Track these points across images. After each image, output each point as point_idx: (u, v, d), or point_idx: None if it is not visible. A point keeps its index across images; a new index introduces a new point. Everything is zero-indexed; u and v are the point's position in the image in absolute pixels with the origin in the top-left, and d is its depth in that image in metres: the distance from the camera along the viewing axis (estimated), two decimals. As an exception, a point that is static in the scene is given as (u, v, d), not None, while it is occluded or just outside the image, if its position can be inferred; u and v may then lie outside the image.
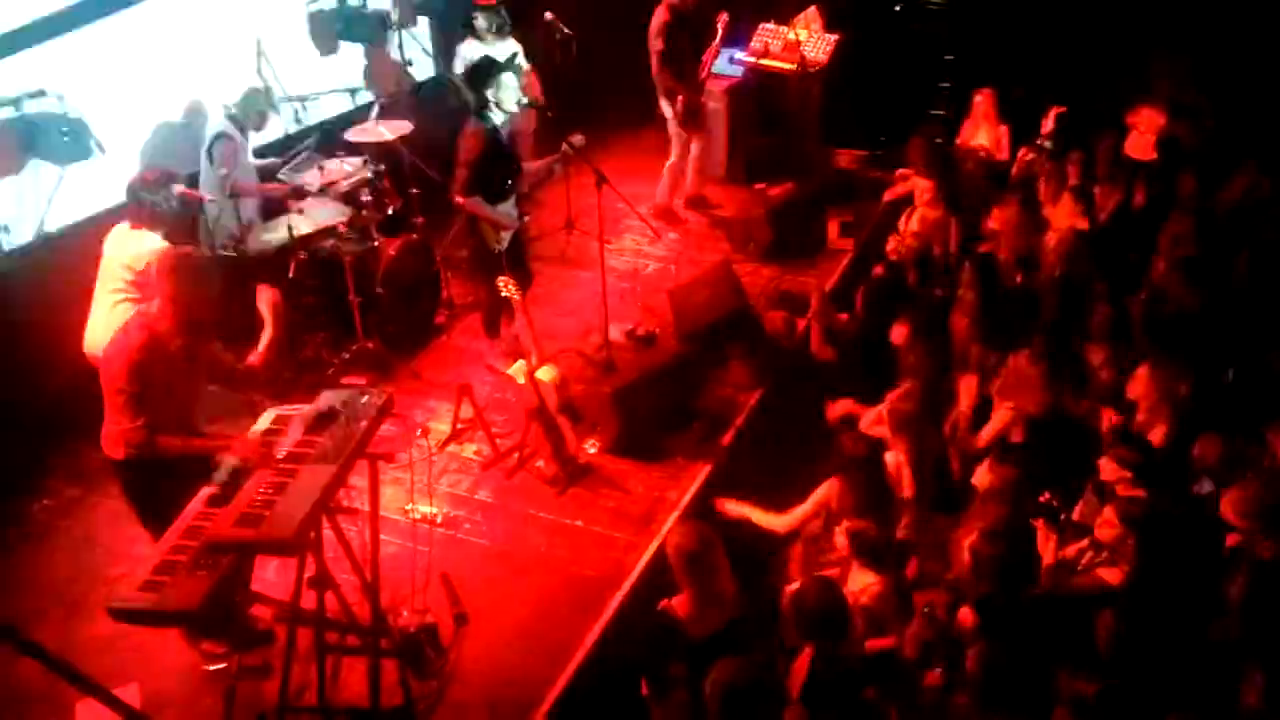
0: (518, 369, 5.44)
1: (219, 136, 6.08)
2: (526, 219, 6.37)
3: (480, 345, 6.46)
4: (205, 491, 3.75)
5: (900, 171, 7.98)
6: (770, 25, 8.39)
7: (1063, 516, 4.32)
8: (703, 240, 7.90)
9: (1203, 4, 8.06)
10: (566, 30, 7.78)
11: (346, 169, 6.25)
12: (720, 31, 7.86)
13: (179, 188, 4.89)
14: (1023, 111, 8.18)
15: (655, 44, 7.51)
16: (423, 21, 8.20)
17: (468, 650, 4.48)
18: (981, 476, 4.83)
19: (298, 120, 6.74)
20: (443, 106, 7.71)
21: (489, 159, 5.70)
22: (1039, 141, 7.69)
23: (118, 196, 5.06)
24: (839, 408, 5.62)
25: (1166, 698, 3.61)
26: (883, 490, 4.71)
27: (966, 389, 5.46)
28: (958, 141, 8.22)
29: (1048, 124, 7.84)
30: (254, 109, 6.22)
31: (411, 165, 6.78)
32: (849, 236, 7.91)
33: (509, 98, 5.87)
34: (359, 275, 6.05)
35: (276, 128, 6.74)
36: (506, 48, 7.40)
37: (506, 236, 5.96)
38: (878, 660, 3.95)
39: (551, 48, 7.91)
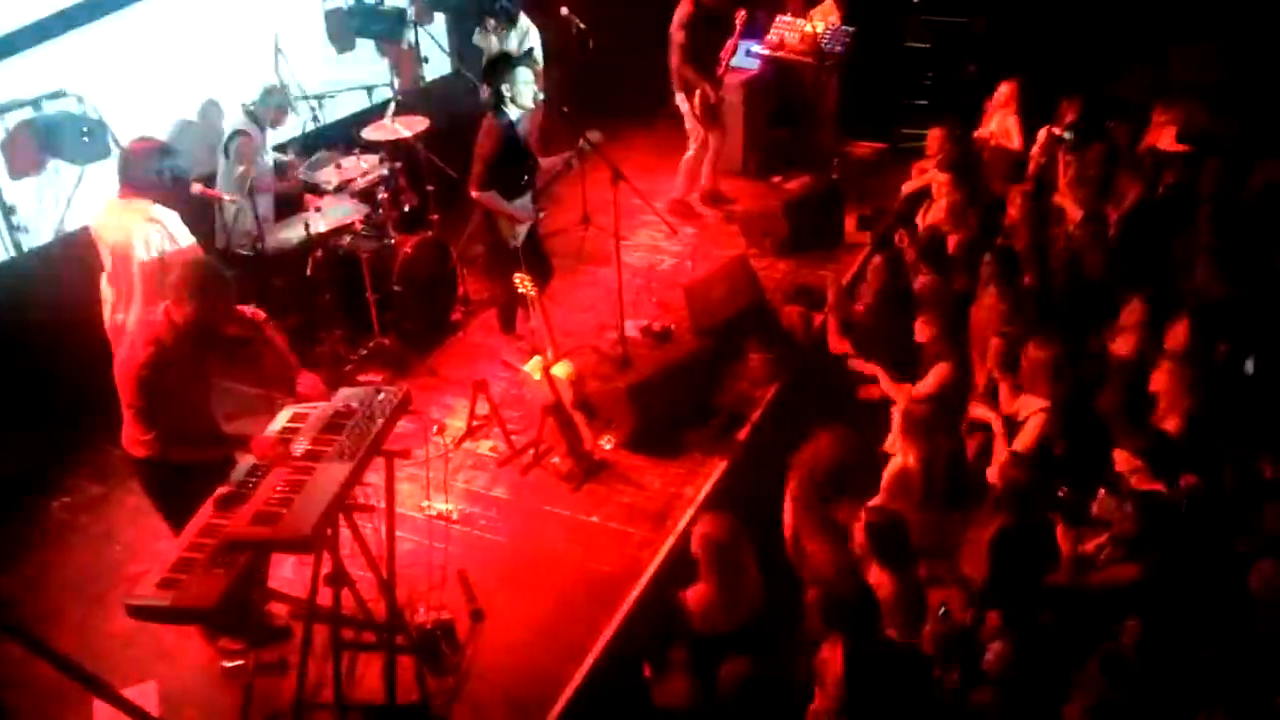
0: (533, 365, 5.44)
1: (236, 133, 6.12)
2: (542, 214, 6.37)
3: (496, 341, 6.47)
4: (222, 489, 3.77)
5: (918, 164, 7.93)
6: (787, 18, 8.35)
7: (1081, 510, 4.27)
8: (719, 235, 7.88)
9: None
10: (582, 25, 7.77)
11: (363, 166, 6.27)
12: (738, 26, 7.84)
13: (195, 186, 4.90)
14: (1041, 101, 8.12)
15: (678, 37, 7.49)
16: (439, 17, 8.23)
17: (484, 647, 4.48)
18: (997, 473, 4.79)
19: (315, 118, 6.75)
20: (459, 103, 7.72)
21: (505, 154, 5.71)
22: (1058, 131, 7.61)
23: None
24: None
25: (1193, 695, 3.57)
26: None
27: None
28: (976, 132, 8.15)
29: (1067, 114, 7.77)
30: (271, 106, 6.24)
31: (428, 162, 6.79)
32: (866, 230, 7.87)
33: (524, 93, 5.86)
34: (376, 272, 6.07)
35: (294, 125, 6.76)
36: (518, 40, 7.41)
37: (522, 231, 5.96)
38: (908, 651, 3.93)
39: (568, 42, 7.90)
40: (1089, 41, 8.39)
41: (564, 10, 7.79)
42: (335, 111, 7.10)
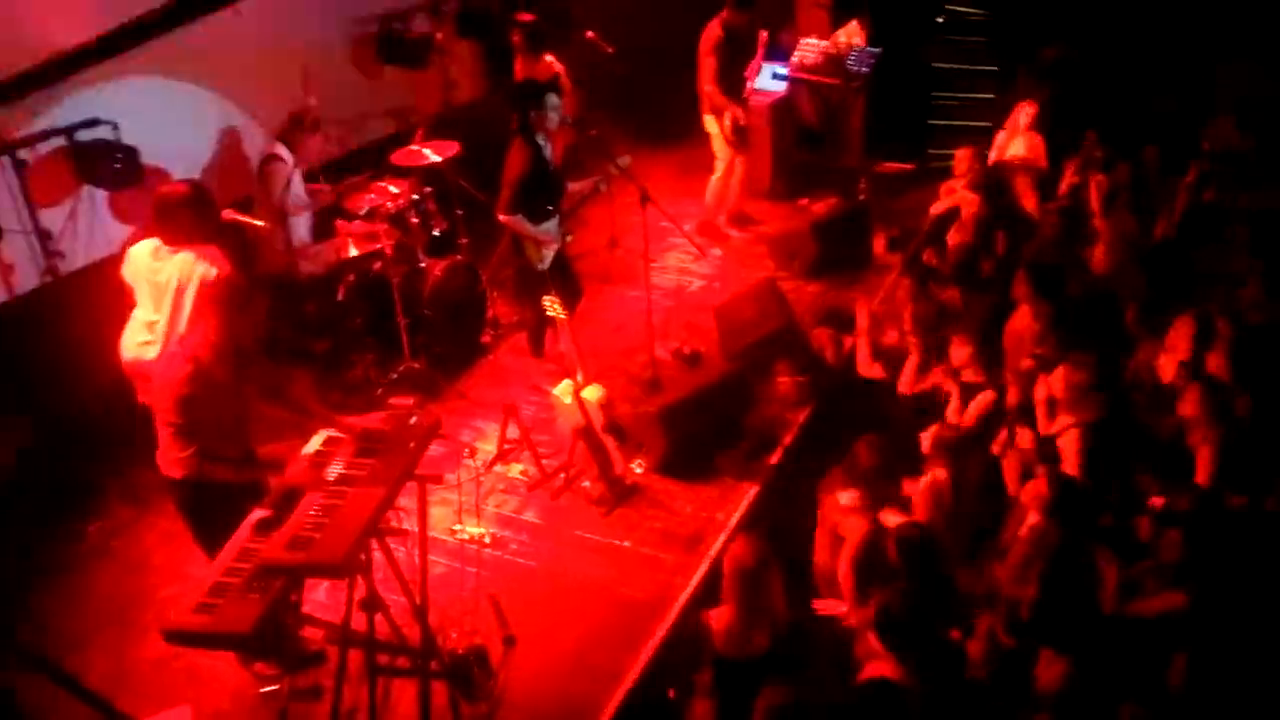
0: (564, 389, 5.43)
1: (269, 159, 6.17)
2: (570, 237, 6.38)
3: (526, 365, 6.47)
4: (257, 514, 3.78)
5: (946, 184, 7.89)
6: (812, 39, 8.36)
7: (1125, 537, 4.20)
8: (747, 257, 7.86)
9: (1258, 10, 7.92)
10: (608, 49, 7.80)
11: (394, 191, 6.30)
12: (760, 47, 7.85)
13: (228, 213, 4.94)
14: (1068, 122, 8.08)
15: (708, 60, 7.51)
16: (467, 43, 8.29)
17: (516, 673, 4.45)
18: (1029, 490, 4.72)
19: (345, 143, 6.81)
20: (488, 128, 7.76)
21: (532, 178, 5.73)
22: (1088, 152, 7.56)
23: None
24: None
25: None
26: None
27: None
28: (993, 152, 8.10)
29: (1097, 132, 7.71)
30: (302, 132, 6.29)
31: (457, 187, 6.82)
32: (895, 251, 7.83)
33: (552, 118, 5.89)
34: (406, 297, 6.09)
35: (325, 151, 6.81)
36: (547, 67, 7.45)
37: (549, 254, 5.97)
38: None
39: (593, 66, 7.93)
40: (1112, 61, 8.35)
41: (589, 34, 7.83)
42: (366, 137, 7.16)
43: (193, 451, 3.86)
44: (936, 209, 7.82)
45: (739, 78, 7.79)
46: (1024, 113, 7.96)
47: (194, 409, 3.86)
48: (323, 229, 6.51)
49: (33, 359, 5.56)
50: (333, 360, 6.34)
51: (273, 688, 4.28)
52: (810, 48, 8.31)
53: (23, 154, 5.56)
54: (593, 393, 5.40)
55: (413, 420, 4.03)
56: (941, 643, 3.83)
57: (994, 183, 7.31)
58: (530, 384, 6.23)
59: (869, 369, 5.99)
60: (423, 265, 6.36)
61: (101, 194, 5.94)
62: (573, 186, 6.25)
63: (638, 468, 5.64)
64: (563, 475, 5.56)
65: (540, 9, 7.91)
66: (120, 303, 5.07)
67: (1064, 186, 7.64)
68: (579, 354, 5.43)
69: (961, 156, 7.68)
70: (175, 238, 4.78)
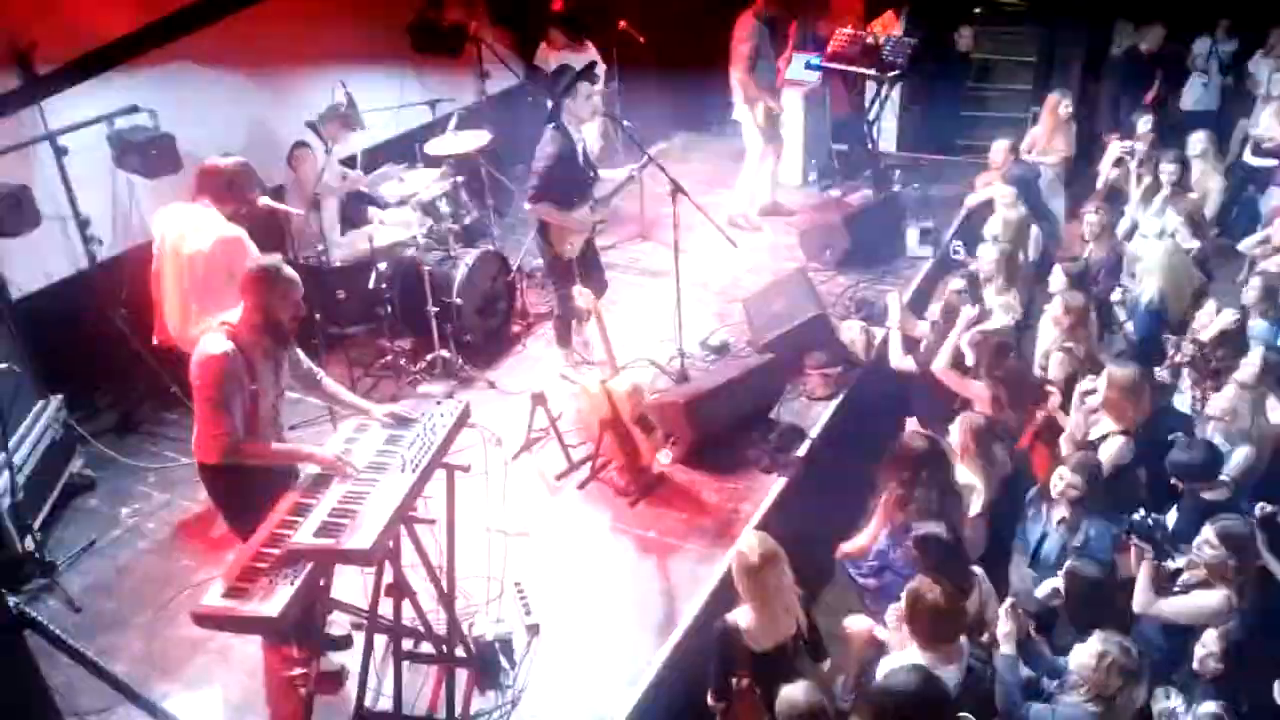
0: (592, 379, 5.43)
1: (300, 146, 6.22)
2: (603, 225, 6.37)
3: (554, 354, 6.48)
4: (288, 499, 3.81)
5: (982, 176, 7.81)
6: (848, 29, 8.29)
7: (1160, 535, 4.14)
8: (778, 248, 7.83)
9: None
10: (641, 38, 7.79)
11: (426, 180, 6.33)
12: (791, 37, 7.80)
13: (263, 200, 4.98)
14: (1105, 115, 7.97)
15: (741, 50, 7.47)
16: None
17: (540, 661, 4.47)
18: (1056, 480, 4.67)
19: (378, 132, 6.85)
20: (520, 117, 7.78)
21: (561, 166, 5.71)
22: (1130, 145, 7.44)
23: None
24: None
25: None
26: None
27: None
28: (1027, 146, 7.99)
29: (1139, 126, 7.60)
30: (335, 120, 6.34)
31: (488, 176, 6.85)
32: (928, 243, 7.76)
33: (584, 106, 5.87)
34: (436, 285, 6.12)
35: (358, 139, 6.86)
36: (584, 57, 7.44)
37: (578, 242, 5.96)
38: None
39: (626, 56, 7.92)
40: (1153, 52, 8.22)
41: (622, 23, 7.81)
42: (398, 126, 7.20)
43: (226, 429, 3.89)
44: (971, 200, 7.75)
45: (772, 67, 7.75)
46: (1061, 104, 7.86)
47: (231, 384, 3.89)
48: (355, 217, 6.55)
49: (70, 343, 5.64)
50: (364, 347, 6.39)
51: (300, 671, 4.32)
52: (845, 37, 8.24)
53: (63, 141, 5.65)
54: (621, 383, 5.40)
55: (441, 408, 4.05)
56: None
57: (1029, 175, 7.22)
58: (559, 373, 6.24)
59: (901, 361, 5.94)
60: (453, 254, 6.39)
61: (139, 181, 6.02)
62: (605, 175, 6.23)
63: (664, 458, 5.64)
64: (590, 465, 5.57)
65: None
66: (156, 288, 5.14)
67: (1102, 179, 7.55)
68: (608, 345, 5.43)
69: (997, 148, 7.60)
70: (214, 199, 4.86)
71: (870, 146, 8.63)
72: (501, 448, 5.52)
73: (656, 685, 4.36)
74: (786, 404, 6.04)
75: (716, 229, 7.26)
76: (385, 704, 4.06)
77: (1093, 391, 5.04)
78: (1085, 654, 3.50)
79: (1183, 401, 5.35)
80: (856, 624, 4.42)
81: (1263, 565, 4.02)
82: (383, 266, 6.17)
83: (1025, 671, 3.82)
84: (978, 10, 9.38)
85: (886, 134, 8.89)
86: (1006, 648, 3.83)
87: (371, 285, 6.18)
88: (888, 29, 8.36)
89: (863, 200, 7.93)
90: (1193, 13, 8.55)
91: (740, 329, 6.52)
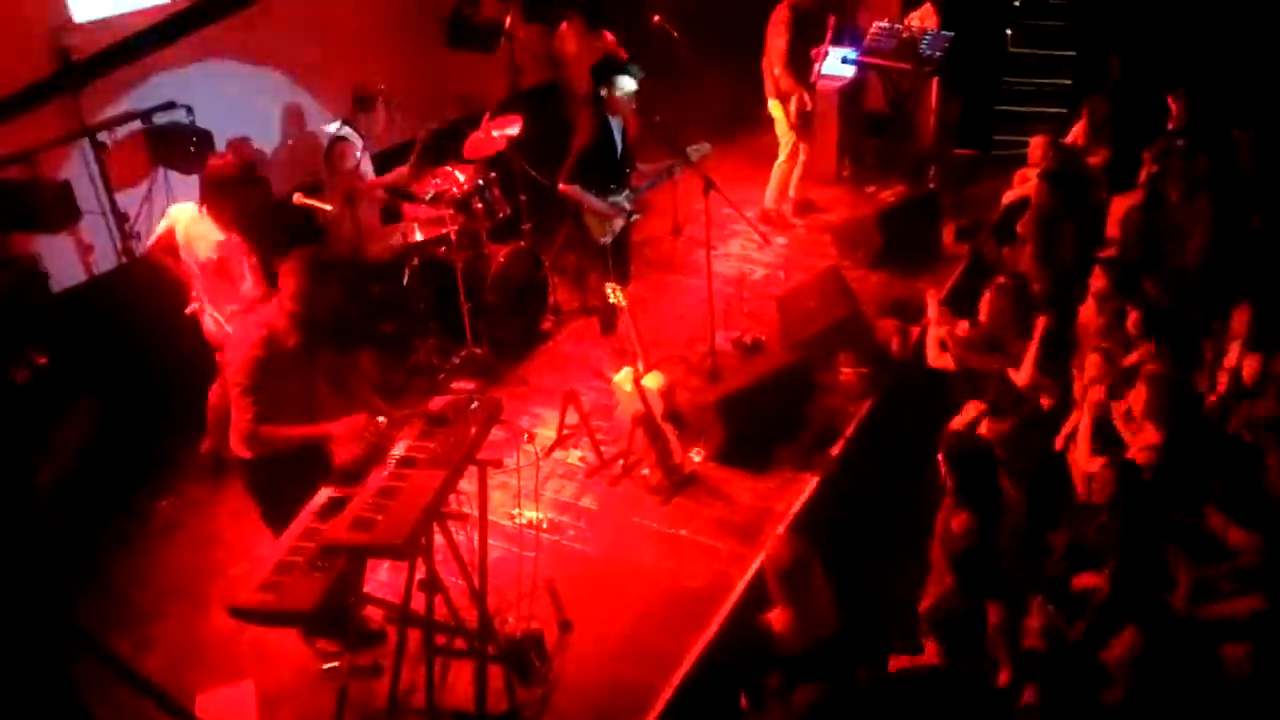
0: (624, 376, 5.42)
1: (336, 141, 6.24)
2: (636, 217, 6.37)
3: (586, 350, 6.50)
4: (322, 494, 3.84)
5: (1020, 172, 7.70)
6: (884, 23, 8.21)
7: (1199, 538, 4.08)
8: (811, 245, 7.77)
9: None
10: (675, 33, 7.74)
11: (459, 176, 6.34)
12: (829, 31, 7.74)
13: (297, 196, 5.00)
14: (1144, 110, 7.81)
15: (777, 44, 7.42)
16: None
17: (572, 658, 4.47)
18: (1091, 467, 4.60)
19: (412, 128, 6.86)
20: (554, 113, 7.78)
21: (596, 152, 5.80)
22: (1166, 139, 7.31)
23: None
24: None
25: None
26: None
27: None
28: (1070, 143, 7.88)
29: (1176, 120, 7.46)
30: (369, 116, 6.34)
31: (521, 172, 6.84)
32: (965, 241, 7.67)
33: (622, 100, 5.90)
34: (469, 282, 6.14)
35: (392, 134, 6.87)
36: (599, 46, 7.46)
37: (615, 227, 5.98)
38: None
39: (660, 51, 7.88)
40: (1197, 47, 8.06)
41: (656, 19, 7.77)
42: (432, 122, 7.20)
43: (251, 415, 3.91)
44: (1009, 198, 7.64)
45: (806, 61, 7.69)
46: (1103, 101, 7.75)
47: (264, 373, 3.92)
48: (389, 213, 6.58)
49: (109, 338, 5.71)
50: (396, 343, 6.42)
51: (333, 665, 4.36)
52: (882, 31, 8.16)
53: (101, 137, 5.72)
54: (653, 380, 5.39)
55: (474, 405, 4.06)
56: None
57: (1069, 172, 7.10)
58: (591, 370, 6.24)
59: (938, 360, 5.87)
60: (486, 250, 6.41)
61: (176, 176, 6.08)
62: (644, 168, 6.23)
63: (696, 456, 5.62)
64: (621, 462, 5.56)
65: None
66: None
67: (1142, 176, 7.41)
68: (640, 341, 5.42)
69: (1036, 144, 7.49)
70: (217, 212, 4.90)
71: (906, 142, 8.54)
72: (533, 445, 5.54)
73: (687, 685, 4.35)
74: (819, 402, 5.99)
75: (749, 225, 7.25)
76: (418, 699, 4.08)
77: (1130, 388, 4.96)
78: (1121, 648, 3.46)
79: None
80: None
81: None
82: (416, 263, 6.18)
83: None
84: (1017, 4, 9.26)
85: (922, 129, 8.79)
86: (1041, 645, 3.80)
87: (405, 281, 6.20)
88: (925, 22, 8.26)
89: (898, 197, 7.84)
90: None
91: (773, 327, 6.47)
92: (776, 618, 3.79)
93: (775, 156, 7.92)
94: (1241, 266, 6.04)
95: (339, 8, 6.72)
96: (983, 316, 5.69)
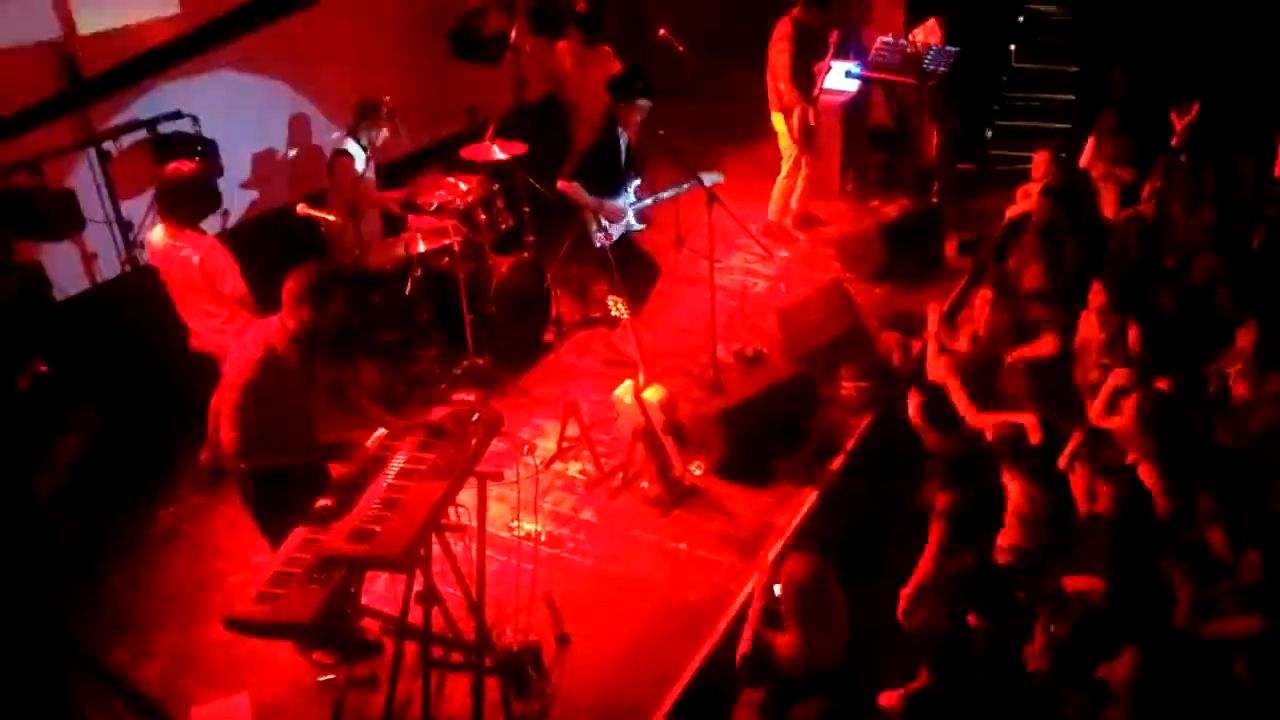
0: (625, 388, 5.41)
1: (339, 153, 6.26)
2: (644, 226, 6.41)
3: (588, 363, 6.53)
4: (319, 505, 3.83)
5: (1023, 187, 7.70)
6: (889, 38, 8.23)
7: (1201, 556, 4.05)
8: (814, 259, 7.77)
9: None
10: (680, 47, 7.76)
11: (462, 188, 6.36)
12: (832, 46, 7.75)
13: (300, 207, 5.01)
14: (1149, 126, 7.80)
15: (780, 58, 7.43)
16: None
17: (569, 672, 4.45)
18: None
19: (417, 139, 6.89)
20: (559, 125, 7.79)
21: (598, 154, 5.94)
22: (1171, 151, 7.30)
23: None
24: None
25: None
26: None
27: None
28: (1083, 157, 7.88)
29: (1179, 133, 7.45)
30: (373, 127, 6.37)
31: (525, 184, 6.86)
32: (967, 255, 7.67)
33: (636, 117, 6.01)
34: (472, 293, 6.14)
35: (396, 146, 6.90)
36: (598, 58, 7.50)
37: (614, 230, 6.03)
38: None
39: (665, 64, 7.90)
40: (1199, 63, 8.06)
41: (662, 32, 7.79)
42: (437, 133, 7.23)
43: (238, 435, 3.91)
44: (1012, 212, 7.64)
45: (810, 76, 7.70)
46: (1112, 115, 7.74)
47: (259, 392, 3.92)
48: (392, 223, 6.59)
49: (112, 346, 5.72)
50: (398, 353, 6.42)
51: (329, 677, 4.35)
52: (886, 46, 8.18)
53: (107, 146, 5.74)
54: (654, 393, 5.38)
55: (474, 416, 4.05)
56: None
57: (1071, 188, 7.10)
58: (592, 382, 6.24)
59: (939, 373, 5.86)
60: (489, 262, 6.41)
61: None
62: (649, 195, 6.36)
63: (696, 470, 5.61)
64: (621, 475, 5.56)
65: (613, 6, 7.92)
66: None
67: (1146, 191, 7.41)
68: (641, 353, 5.41)
69: (1039, 159, 7.49)
70: (181, 221, 4.97)
71: (909, 157, 8.55)
72: (533, 456, 5.53)
73: (685, 699, 4.33)
74: (821, 416, 5.98)
75: (752, 238, 7.26)
76: (414, 711, 4.06)
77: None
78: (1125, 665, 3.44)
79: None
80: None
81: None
82: (419, 273, 6.19)
83: None
84: (1021, 19, 9.28)
85: (925, 144, 8.80)
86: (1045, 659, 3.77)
87: (407, 292, 6.21)
88: (929, 38, 8.28)
89: (901, 211, 7.85)
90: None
91: (775, 340, 6.47)
92: (782, 639, 3.74)
93: (779, 170, 7.93)
94: (1245, 284, 6.01)
95: (345, 19, 6.74)
96: (981, 330, 5.69)
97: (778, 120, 7.72)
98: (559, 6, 7.97)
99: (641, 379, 5.36)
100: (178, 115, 5.99)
